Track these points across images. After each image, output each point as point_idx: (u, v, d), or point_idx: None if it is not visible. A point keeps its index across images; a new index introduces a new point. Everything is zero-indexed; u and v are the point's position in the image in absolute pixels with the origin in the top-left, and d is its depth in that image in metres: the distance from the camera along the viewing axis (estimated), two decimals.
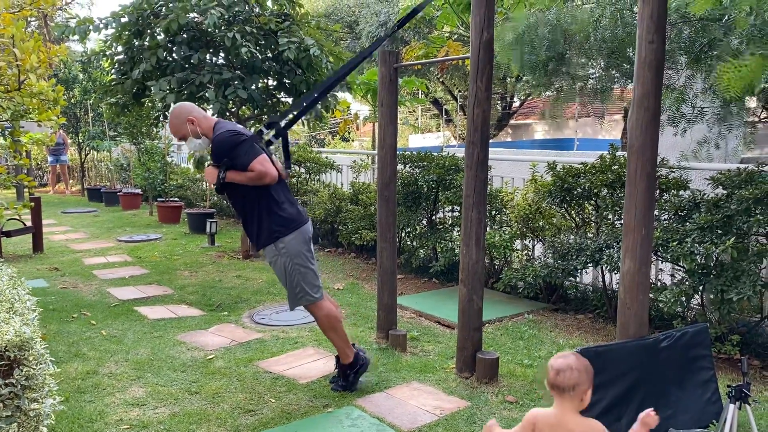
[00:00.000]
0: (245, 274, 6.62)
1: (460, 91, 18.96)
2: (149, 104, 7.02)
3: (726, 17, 3.53)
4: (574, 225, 5.31)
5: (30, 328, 2.10)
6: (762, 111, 5.44)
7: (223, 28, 5.86)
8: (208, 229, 8.21)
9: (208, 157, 3.92)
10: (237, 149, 3.38)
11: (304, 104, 3.84)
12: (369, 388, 3.75)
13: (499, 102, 19.61)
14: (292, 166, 8.27)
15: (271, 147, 3.56)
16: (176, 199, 11.04)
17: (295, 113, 3.73)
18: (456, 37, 11.69)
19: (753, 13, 2.94)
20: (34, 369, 1.99)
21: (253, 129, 7.62)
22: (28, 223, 7.67)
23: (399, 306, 4.94)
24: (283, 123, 3.59)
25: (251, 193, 3.48)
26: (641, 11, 2.80)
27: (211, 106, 6.04)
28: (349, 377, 3.73)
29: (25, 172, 12.21)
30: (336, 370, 3.81)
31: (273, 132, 3.50)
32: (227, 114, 6.51)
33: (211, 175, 3.46)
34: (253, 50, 5.99)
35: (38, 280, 6.35)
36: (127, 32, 6.16)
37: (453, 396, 3.65)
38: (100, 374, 3.92)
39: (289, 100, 6.78)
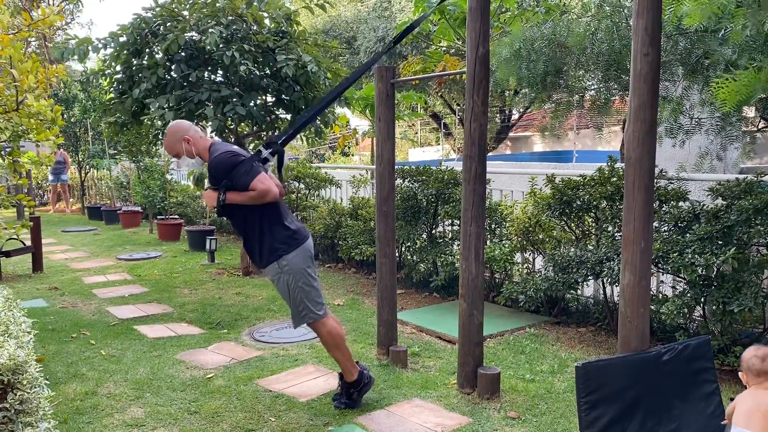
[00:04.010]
0: (245, 291, 6.60)
1: (459, 105, 19.01)
2: (148, 122, 7.04)
3: (722, 31, 3.54)
4: (574, 237, 5.29)
5: (24, 351, 2.08)
6: (760, 121, 5.44)
7: (221, 46, 5.89)
8: (207, 247, 8.20)
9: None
10: (236, 170, 3.35)
11: (302, 121, 3.83)
12: (370, 405, 3.72)
13: (498, 115, 19.66)
14: (291, 182, 8.28)
15: (269, 164, 3.54)
16: (176, 216, 11.04)
17: (292, 131, 3.72)
18: (453, 51, 11.72)
19: (748, 25, 2.94)
20: (28, 393, 1.97)
21: (252, 146, 7.65)
22: (28, 243, 7.66)
23: (399, 321, 4.92)
24: (280, 141, 3.58)
25: (252, 212, 3.45)
26: (636, 24, 2.80)
27: (210, 123, 6.05)
28: (352, 395, 3.70)
29: (25, 191, 12.23)
30: (339, 388, 3.79)
31: (270, 151, 3.47)
32: (226, 131, 6.52)
33: (211, 198, 3.41)
34: (252, 67, 6.01)
35: (38, 299, 6.33)
36: (125, 52, 6.19)
37: (454, 412, 3.61)
38: (99, 395, 3.89)
39: (288, 116, 6.79)
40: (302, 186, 8.62)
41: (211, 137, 6.81)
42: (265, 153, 3.42)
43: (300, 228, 3.59)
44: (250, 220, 3.48)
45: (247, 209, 3.44)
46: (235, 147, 3.61)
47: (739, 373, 2.70)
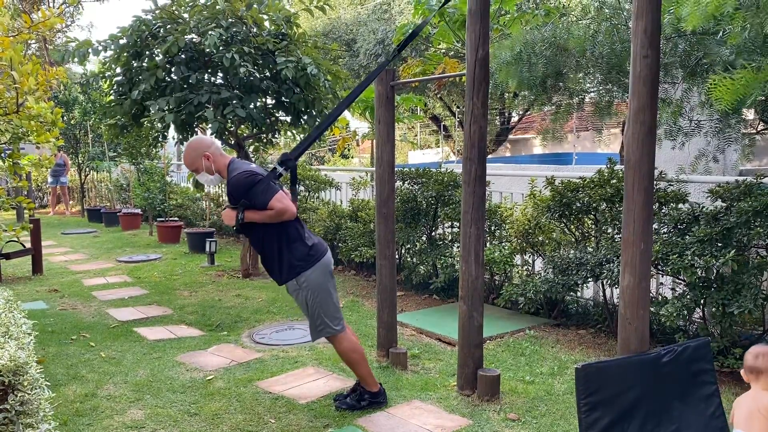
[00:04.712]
0: (245, 293, 6.60)
1: (458, 107, 19.03)
2: (148, 125, 7.05)
3: (721, 32, 3.54)
4: (573, 239, 5.30)
5: (25, 353, 2.09)
6: (759, 123, 5.45)
7: (221, 48, 5.90)
8: (207, 249, 8.20)
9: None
10: (254, 189, 3.38)
11: (314, 136, 3.84)
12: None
13: (497, 117, 19.68)
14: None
15: (280, 178, 3.55)
16: (176, 218, 11.04)
17: (304, 146, 3.72)
18: (453, 53, 11.74)
19: (747, 26, 2.95)
20: (29, 394, 1.97)
21: (252, 147, 7.66)
22: (28, 245, 7.66)
23: (399, 323, 4.92)
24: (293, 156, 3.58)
25: (270, 230, 3.48)
26: (635, 26, 2.81)
27: (210, 125, 6.06)
28: (363, 401, 3.71)
29: (25, 194, 12.23)
30: (350, 389, 3.81)
31: (284, 168, 3.49)
32: (226, 133, 6.53)
33: (230, 217, 3.44)
34: (251, 70, 6.02)
35: (38, 302, 6.32)
36: (125, 54, 6.20)
37: (454, 414, 3.61)
38: (99, 397, 3.89)
39: (288, 118, 6.80)
40: (302, 188, 8.63)
41: None
42: (280, 169, 3.45)
43: (318, 242, 3.61)
44: (269, 238, 3.50)
45: (266, 227, 3.47)
46: (254, 166, 3.63)
47: (741, 371, 2.72)
